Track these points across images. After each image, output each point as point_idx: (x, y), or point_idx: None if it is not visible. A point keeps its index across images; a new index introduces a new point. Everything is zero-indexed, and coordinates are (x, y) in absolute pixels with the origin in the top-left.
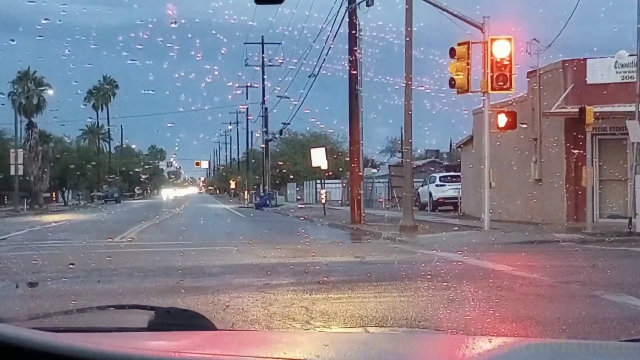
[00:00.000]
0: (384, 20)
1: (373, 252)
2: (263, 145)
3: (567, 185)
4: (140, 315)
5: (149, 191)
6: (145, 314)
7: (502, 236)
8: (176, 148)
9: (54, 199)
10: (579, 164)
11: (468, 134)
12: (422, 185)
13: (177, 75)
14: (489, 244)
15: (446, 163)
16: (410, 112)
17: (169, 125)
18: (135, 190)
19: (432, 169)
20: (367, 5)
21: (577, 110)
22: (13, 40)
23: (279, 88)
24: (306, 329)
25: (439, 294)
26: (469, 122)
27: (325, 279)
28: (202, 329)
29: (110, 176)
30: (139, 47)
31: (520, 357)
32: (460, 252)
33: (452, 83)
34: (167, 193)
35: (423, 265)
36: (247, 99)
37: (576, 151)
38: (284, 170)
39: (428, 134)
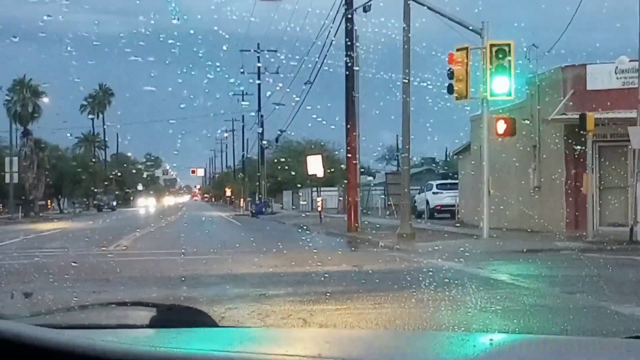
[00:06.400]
0: (381, 26)
1: (371, 261)
2: (263, 151)
3: (567, 193)
4: (142, 312)
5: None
6: (147, 311)
7: (502, 244)
8: (175, 152)
9: (49, 206)
10: (579, 171)
11: (464, 141)
12: (419, 193)
13: (173, 83)
14: (489, 253)
15: (442, 171)
16: (408, 115)
17: (170, 131)
18: (131, 198)
19: (429, 176)
20: (364, 11)
21: (577, 116)
22: (15, 37)
23: (277, 88)
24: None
25: (441, 306)
26: (464, 130)
27: (323, 289)
28: (204, 325)
29: (107, 181)
30: (135, 55)
31: (522, 353)
32: (460, 261)
33: (450, 89)
34: (147, 203)
35: (422, 274)
36: (242, 106)
37: (576, 158)
38: (282, 175)
39: (424, 142)
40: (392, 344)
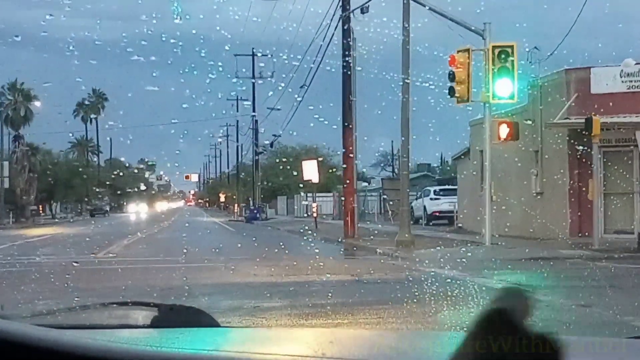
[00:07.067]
0: (380, 27)
1: (371, 269)
2: (258, 156)
3: (570, 198)
4: (144, 312)
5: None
6: (149, 311)
7: (505, 252)
8: (177, 152)
9: (42, 212)
10: (583, 176)
11: (460, 147)
12: (417, 199)
13: (168, 88)
14: (492, 261)
15: (438, 176)
16: (407, 117)
17: (164, 136)
18: (124, 203)
19: (425, 182)
20: (362, 13)
21: (582, 121)
22: (17, 36)
23: (272, 92)
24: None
25: (449, 320)
26: (460, 135)
27: (321, 301)
28: (205, 325)
29: (100, 186)
30: (130, 60)
31: None
32: (463, 270)
33: (451, 92)
34: (140, 209)
35: (426, 284)
36: (237, 111)
37: (580, 163)
38: (276, 181)
39: (419, 148)
40: (395, 344)
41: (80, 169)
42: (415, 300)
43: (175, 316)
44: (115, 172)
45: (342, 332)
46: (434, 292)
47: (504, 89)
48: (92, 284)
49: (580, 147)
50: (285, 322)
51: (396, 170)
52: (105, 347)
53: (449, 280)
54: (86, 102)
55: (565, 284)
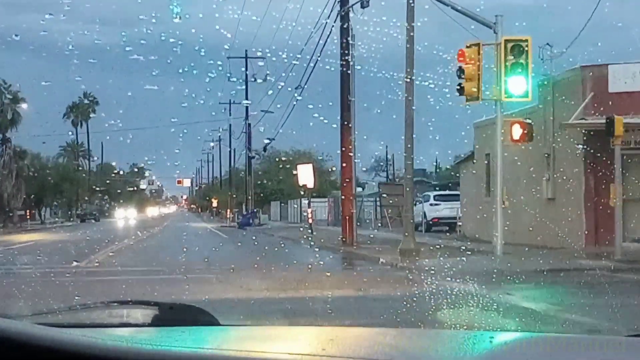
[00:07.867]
0: (379, 27)
1: (376, 282)
2: (251, 161)
3: (587, 205)
4: (144, 311)
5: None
6: (149, 310)
7: (520, 263)
8: (176, 151)
9: (29, 217)
10: (600, 181)
11: (458, 150)
12: (415, 204)
13: (161, 92)
14: (508, 273)
15: (434, 182)
16: (411, 116)
17: (157, 140)
18: (116, 208)
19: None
20: (362, 7)
21: (602, 121)
22: (17, 35)
23: (268, 94)
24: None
25: None
26: (455, 139)
27: (325, 322)
28: (206, 324)
29: (91, 191)
30: (122, 64)
31: (524, 351)
32: (479, 283)
33: (460, 90)
34: (129, 214)
35: (441, 301)
36: (230, 115)
37: (596, 167)
38: (269, 186)
39: (414, 153)
40: (396, 342)
41: (70, 174)
42: (435, 322)
43: (175, 315)
44: (106, 177)
45: (343, 330)
46: (453, 311)
47: (518, 86)
48: (69, 297)
49: (597, 150)
50: None
51: (391, 175)
52: (105, 346)
53: (466, 296)
54: (77, 105)
55: (600, 301)
